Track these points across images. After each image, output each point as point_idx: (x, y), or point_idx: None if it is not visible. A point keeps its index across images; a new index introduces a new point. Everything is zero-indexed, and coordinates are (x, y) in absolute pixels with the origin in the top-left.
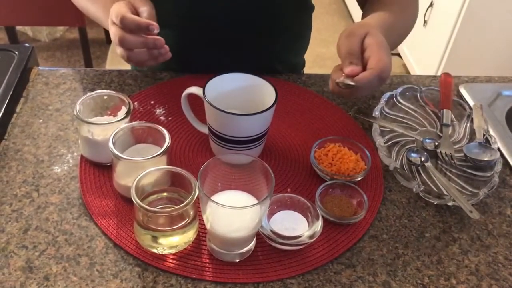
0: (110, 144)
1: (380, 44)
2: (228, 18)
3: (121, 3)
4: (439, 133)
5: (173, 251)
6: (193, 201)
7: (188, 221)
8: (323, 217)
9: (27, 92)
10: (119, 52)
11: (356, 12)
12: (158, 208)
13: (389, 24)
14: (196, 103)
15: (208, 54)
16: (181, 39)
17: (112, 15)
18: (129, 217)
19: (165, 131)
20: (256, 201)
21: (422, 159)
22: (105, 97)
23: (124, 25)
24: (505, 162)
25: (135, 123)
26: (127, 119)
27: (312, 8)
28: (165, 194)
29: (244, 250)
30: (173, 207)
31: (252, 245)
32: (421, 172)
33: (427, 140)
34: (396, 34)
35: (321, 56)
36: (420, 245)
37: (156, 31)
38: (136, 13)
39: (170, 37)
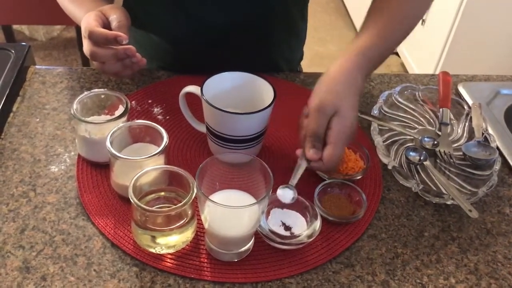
0: (108, 143)
1: (342, 134)
2: (220, 16)
3: (91, 15)
4: (438, 132)
5: (171, 250)
6: (191, 200)
7: (186, 220)
8: (321, 216)
9: (23, 91)
10: (95, 65)
11: (354, 10)
12: (156, 208)
13: (379, 44)
14: (194, 102)
15: (203, 52)
16: (176, 37)
17: (82, 29)
18: (127, 216)
19: (162, 130)
20: (254, 200)
21: (421, 158)
22: (102, 96)
23: (93, 40)
24: (504, 160)
25: (132, 122)
26: (124, 118)
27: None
28: (163, 193)
29: (243, 249)
30: (171, 207)
31: (250, 244)
32: (420, 171)
33: (425, 139)
34: (392, 42)
35: (319, 55)
36: (419, 244)
37: (125, 42)
38: (107, 21)
39: (165, 37)
